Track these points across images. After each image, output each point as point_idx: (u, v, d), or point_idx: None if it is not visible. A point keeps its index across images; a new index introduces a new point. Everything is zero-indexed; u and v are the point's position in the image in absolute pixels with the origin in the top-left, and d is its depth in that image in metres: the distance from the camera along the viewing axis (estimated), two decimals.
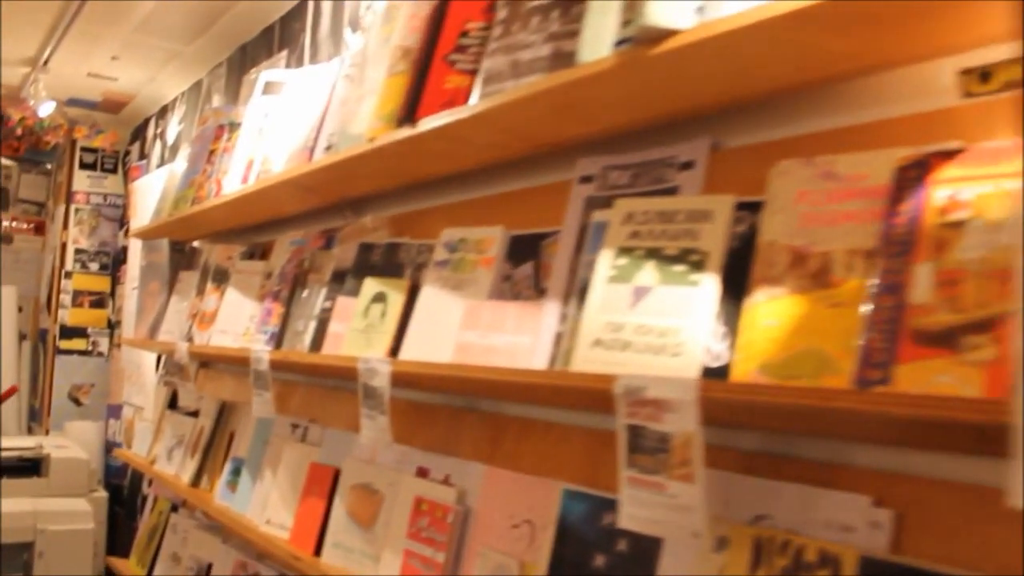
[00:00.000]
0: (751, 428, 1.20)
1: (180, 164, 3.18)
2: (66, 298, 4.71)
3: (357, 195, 2.13)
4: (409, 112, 1.60)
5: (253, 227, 2.78)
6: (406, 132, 1.58)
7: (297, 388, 2.33)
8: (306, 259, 2.23)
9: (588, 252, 1.37)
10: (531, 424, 1.55)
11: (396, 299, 1.77)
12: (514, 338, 1.44)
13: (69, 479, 3.69)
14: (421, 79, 1.61)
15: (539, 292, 1.52)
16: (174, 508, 2.99)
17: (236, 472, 2.39)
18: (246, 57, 3.23)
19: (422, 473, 1.73)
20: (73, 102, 4.42)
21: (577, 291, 1.36)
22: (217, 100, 3.45)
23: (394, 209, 2.06)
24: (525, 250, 1.58)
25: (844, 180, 1.09)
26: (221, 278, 2.72)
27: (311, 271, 2.19)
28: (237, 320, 2.50)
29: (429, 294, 1.66)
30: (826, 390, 0.91)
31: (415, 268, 1.81)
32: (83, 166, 4.81)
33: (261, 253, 2.73)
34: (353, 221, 2.24)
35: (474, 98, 1.48)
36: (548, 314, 1.42)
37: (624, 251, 1.27)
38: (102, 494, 3.86)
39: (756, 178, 1.24)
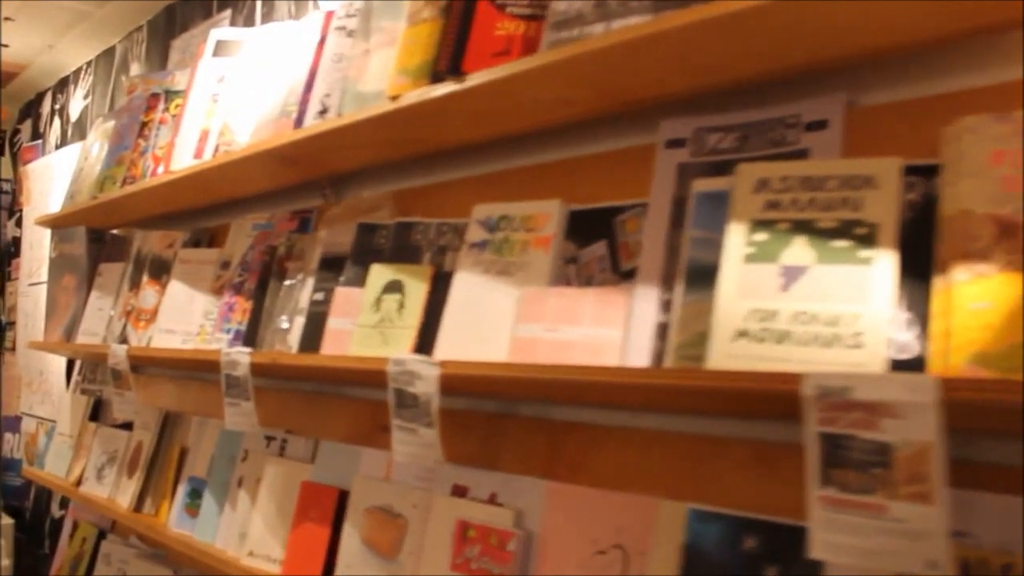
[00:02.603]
0: None
1: (94, 141, 2.79)
2: None
3: (345, 169, 1.84)
4: (452, 64, 1.34)
5: (195, 210, 2.43)
6: (448, 88, 1.32)
7: (268, 395, 2.02)
8: (280, 244, 1.92)
9: (694, 227, 1.16)
10: (602, 431, 1.33)
11: (417, 288, 1.51)
12: (596, 331, 1.21)
13: None
14: (464, 26, 1.35)
15: (620, 275, 1.29)
16: (102, 534, 2.61)
17: (195, 494, 2.06)
18: (173, 19, 2.85)
19: (459, 491, 1.47)
20: None
21: (684, 273, 1.14)
22: (136, 69, 3.05)
23: (393, 184, 1.79)
24: (593, 227, 1.35)
25: None
26: (160, 269, 2.37)
27: (289, 258, 1.89)
28: (186, 317, 2.17)
29: (465, 281, 1.41)
30: None
31: (436, 251, 1.55)
32: None
33: (209, 240, 2.40)
34: (333, 199, 1.95)
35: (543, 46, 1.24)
36: (643, 301, 1.20)
37: (761, 225, 1.06)
38: (7, 521, 3.37)
39: (909, 138, 1.07)
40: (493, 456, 1.47)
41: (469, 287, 1.40)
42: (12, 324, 3.94)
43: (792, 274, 1.02)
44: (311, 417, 1.89)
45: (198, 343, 2.09)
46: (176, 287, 2.24)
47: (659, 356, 1.15)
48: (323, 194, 1.96)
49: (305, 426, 1.90)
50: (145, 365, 2.48)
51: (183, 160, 2.09)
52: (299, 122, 1.70)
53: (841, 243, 1.00)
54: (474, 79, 1.28)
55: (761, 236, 1.05)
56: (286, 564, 1.68)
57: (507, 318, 1.32)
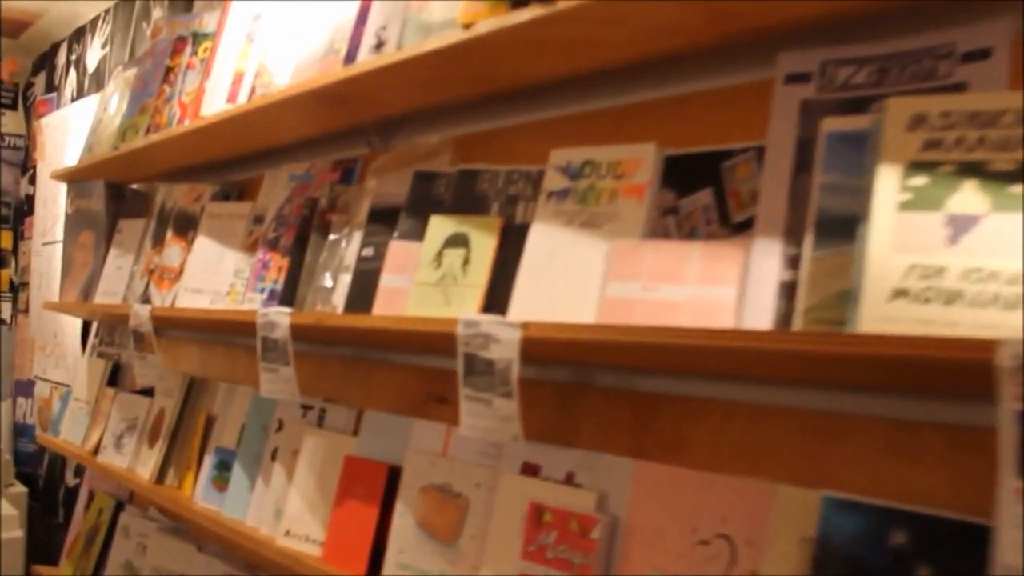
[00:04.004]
0: None
1: (113, 91, 2.63)
2: None
3: (396, 113, 1.68)
4: None
5: (223, 162, 2.28)
6: (533, 13, 1.16)
7: (305, 360, 1.87)
8: (322, 196, 1.77)
9: (824, 172, 1.00)
10: (700, 404, 1.18)
11: (484, 242, 1.35)
12: (705, 289, 1.06)
13: None
14: None
15: (730, 228, 1.14)
16: (120, 505, 2.48)
17: (224, 467, 1.92)
18: None
19: (530, 470, 1.33)
20: None
21: (814, 224, 0.99)
22: (159, 15, 2.88)
23: (448, 128, 1.62)
24: (695, 174, 1.19)
25: None
26: (186, 225, 2.22)
27: (332, 211, 1.73)
28: (215, 276, 2.02)
29: (544, 234, 1.25)
30: None
31: (506, 201, 1.39)
32: None
33: (239, 193, 2.24)
34: (380, 146, 1.79)
35: None
36: (762, 256, 1.05)
37: (919, 167, 0.90)
38: (20, 489, 3.24)
39: None
40: (568, 431, 1.32)
41: (548, 241, 1.24)
42: (25, 285, 3.80)
43: (961, 224, 0.86)
44: (353, 385, 1.74)
45: (228, 303, 1.95)
46: (204, 243, 2.09)
47: (785, 318, 1.00)
48: (368, 141, 1.80)
49: (347, 395, 1.75)
50: (169, 327, 2.34)
51: (215, 105, 1.93)
52: (350, 58, 1.54)
53: (1022, 188, 0.84)
54: (565, 2, 1.12)
55: (919, 181, 0.89)
56: (327, 545, 1.54)
57: (594, 275, 1.17)
